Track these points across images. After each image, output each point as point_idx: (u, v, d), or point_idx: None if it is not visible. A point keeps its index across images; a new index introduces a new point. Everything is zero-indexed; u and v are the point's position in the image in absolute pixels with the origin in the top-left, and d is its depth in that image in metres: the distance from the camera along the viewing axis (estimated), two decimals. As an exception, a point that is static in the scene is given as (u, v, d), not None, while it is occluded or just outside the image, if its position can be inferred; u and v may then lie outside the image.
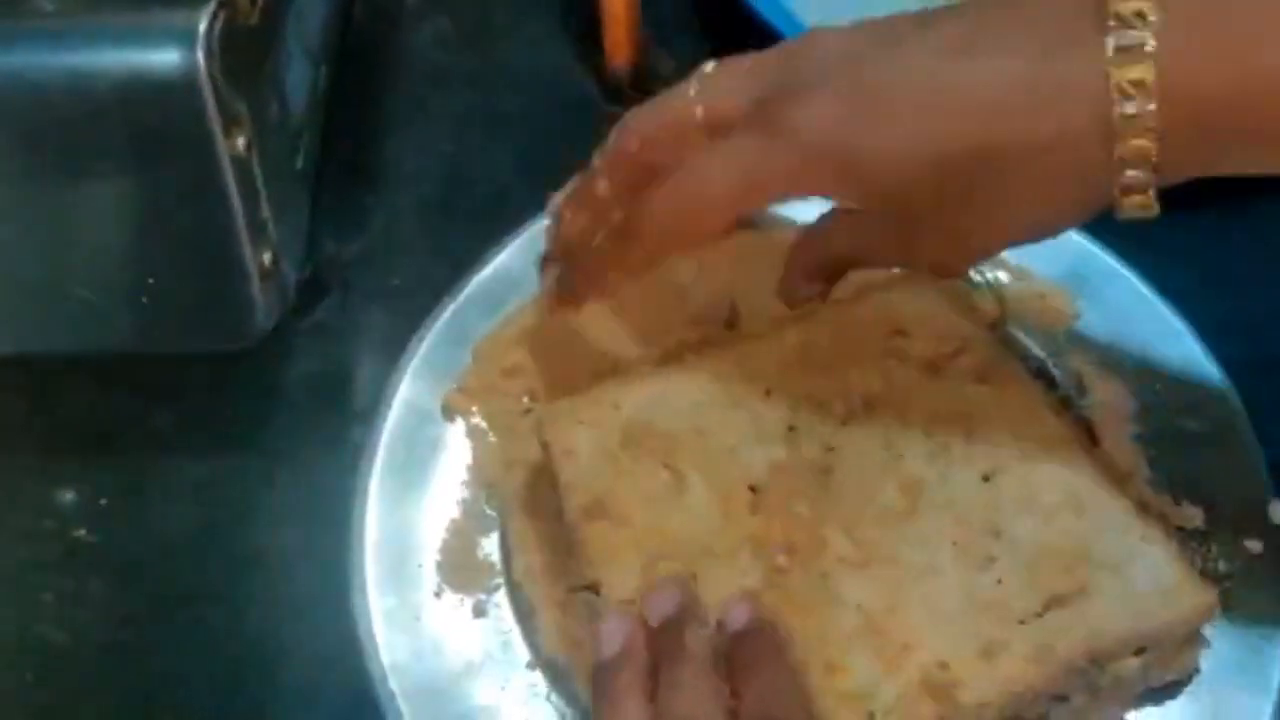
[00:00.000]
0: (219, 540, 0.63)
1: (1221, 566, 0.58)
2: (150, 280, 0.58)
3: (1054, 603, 0.53)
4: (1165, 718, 0.56)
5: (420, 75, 0.78)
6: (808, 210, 0.58)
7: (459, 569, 0.60)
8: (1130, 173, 0.49)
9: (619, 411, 0.58)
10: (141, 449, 0.65)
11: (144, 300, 0.58)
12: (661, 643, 0.51)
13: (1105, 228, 0.64)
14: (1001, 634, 0.52)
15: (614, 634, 0.51)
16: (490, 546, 0.60)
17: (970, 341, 0.60)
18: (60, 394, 0.66)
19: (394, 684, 0.57)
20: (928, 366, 0.59)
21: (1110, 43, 0.48)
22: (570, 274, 0.61)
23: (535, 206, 0.68)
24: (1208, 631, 0.55)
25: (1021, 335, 0.65)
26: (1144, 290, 0.66)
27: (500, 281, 0.66)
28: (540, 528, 0.60)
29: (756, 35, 0.73)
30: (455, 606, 0.59)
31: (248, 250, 0.57)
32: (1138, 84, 0.47)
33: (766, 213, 0.63)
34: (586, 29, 0.77)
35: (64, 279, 0.58)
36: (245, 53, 0.56)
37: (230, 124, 0.55)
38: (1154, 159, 0.48)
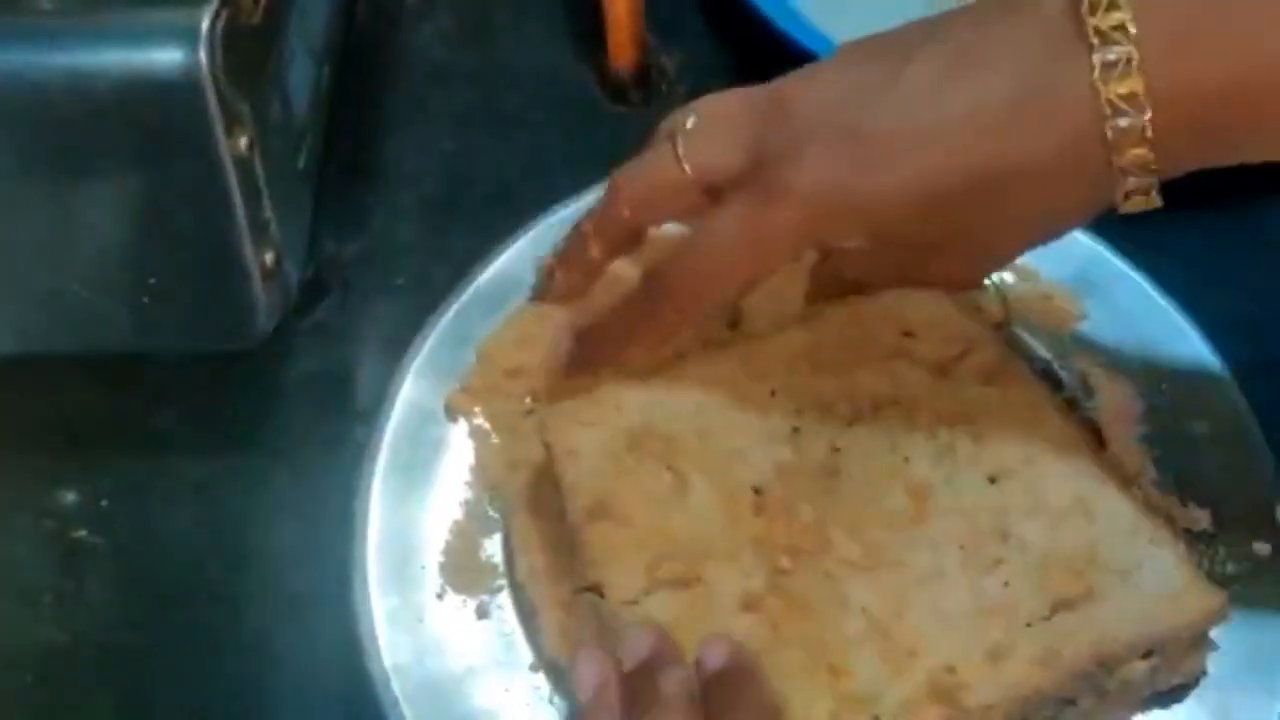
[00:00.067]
0: (220, 541, 0.63)
1: (1229, 569, 0.58)
2: (152, 280, 0.58)
3: (1061, 606, 0.53)
4: (1172, 721, 0.56)
5: (421, 74, 0.78)
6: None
7: (462, 570, 0.60)
8: (1131, 179, 0.49)
9: (622, 412, 0.58)
10: (142, 449, 0.65)
11: (145, 300, 0.58)
12: (636, 687, 0.50)
13: (1112, 229, 0.65)
14: (1008, 637, 0.52)
15: (586, 680, 0.50)
16: (493, 548, 0.60)
17: (977, 343, 0.59)
18: (61, 394, 0.66)
19: (396, 686, 0.57)
20: (934, 368, 0.59)
21: (1096, 60, 0.48)
22: (587, 348, 0.61)
23: (537, 205, 0.68)
24: (1215, 635, 0.55)
25: (1027, 337, 0.65)
26: (1151, 291, 0.66)
27: (503, 281, 0.66)
28: (543, 529, 0.60)
29: (760, 34, 0.73)
30: (458, 608, 0.59)
31: (250, 250, 0.57)
32: (1129, 98, 0.48)
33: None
34: (588, 28, 0.77)
35: (65, 279, 0.58)
36: (248, 52, 0.56)
37: (232, 123, 0.54)
38: (1153, 165, 0.49)
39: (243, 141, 0.55)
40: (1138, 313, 0.65)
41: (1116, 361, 0.64)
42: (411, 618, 0.58)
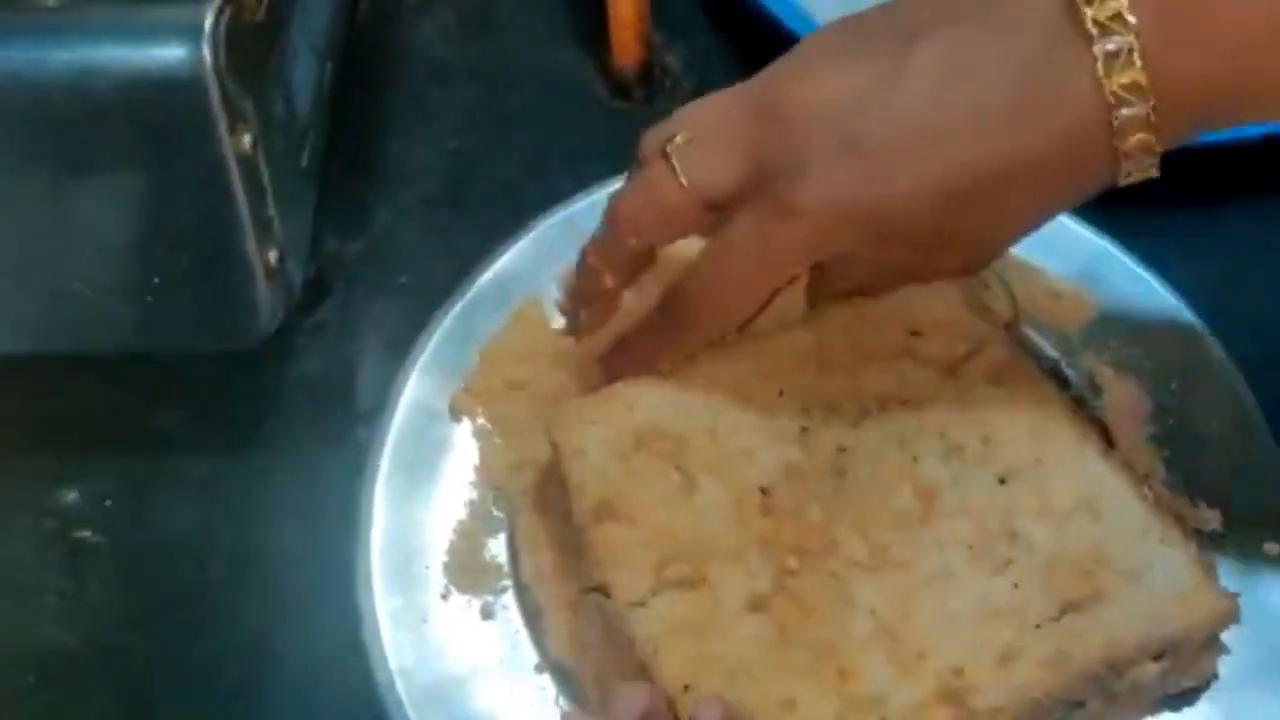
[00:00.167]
0: (223, 540, 0.63)
1: (1240, 569, 0.58)
2: (154, 279, 0.57)
3: (1070, 607, 0.53)
4: (1182, 724, 0.56)
5: (424, 72, 0.78)
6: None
7: (466, 570, 0.59)
8: (1133, 161, 0.50)
9: (630, 412, 0.57)
10: (145, 449, 0.65)
11: (148, 299, 0.58)
12: None
13: (1120, 227, 0.65)
14: (1017, 639, 0.52)
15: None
16: (498, 548, 0.60)
17: (985, 343, 0.59)
18: (64, 394, 0.65)
19: (400, 687, 0.56)
20: (942, 368, 0.59)
21: (1097, 51, 0.48)
22: (614, 368, 0.60)
23: (540, 203, 0.68)
24: (1226, 637, 0.54)
25: (1035, 336, 0.65)
26: (1159, 290, 0.65)
27: (507, 279, 0.66)
28: (549, 529, 0.59)
29: (765, 30, 0.73)
30: (463, 609, 0.58)
31: (253, 249, 0.57)
32: (1132, 87, 0.48)
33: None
34: (591, 24, 0.76)
35: (68, 278, 0.57)
36: (251, 49, 0.55)
37: (236, 121, 0.54)
38: (1155, 148, 0.49)
39: (246, 139, 0.55)
40: (1146, 311, 0.65)
41: (1125, 360, 0.64)
42: (415, 618, 0.58)
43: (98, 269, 0.57)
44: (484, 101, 0.77)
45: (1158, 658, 0.53)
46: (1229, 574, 0.57)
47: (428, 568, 0.59)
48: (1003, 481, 0.56)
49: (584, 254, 0.60)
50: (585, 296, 0.61)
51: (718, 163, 0.54)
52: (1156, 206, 0.61)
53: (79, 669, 0.60)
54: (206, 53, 0.52)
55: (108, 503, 0.63)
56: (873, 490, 0.56)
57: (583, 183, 0.68)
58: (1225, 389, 0.63)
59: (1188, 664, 0.54)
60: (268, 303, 0.59)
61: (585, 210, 0.66)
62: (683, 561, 0.54)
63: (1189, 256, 0.66)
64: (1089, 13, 0.48)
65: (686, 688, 0.51)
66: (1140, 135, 0.49)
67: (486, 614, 0.58)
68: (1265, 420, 0.62)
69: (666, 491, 0.56)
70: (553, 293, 0.65)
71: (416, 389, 0.63)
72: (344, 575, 0.59)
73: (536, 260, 0.66)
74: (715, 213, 0.55)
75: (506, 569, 0.59)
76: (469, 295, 0.65)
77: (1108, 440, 0.61)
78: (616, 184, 0.59)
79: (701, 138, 0.55)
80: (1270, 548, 0.58)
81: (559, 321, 0.65)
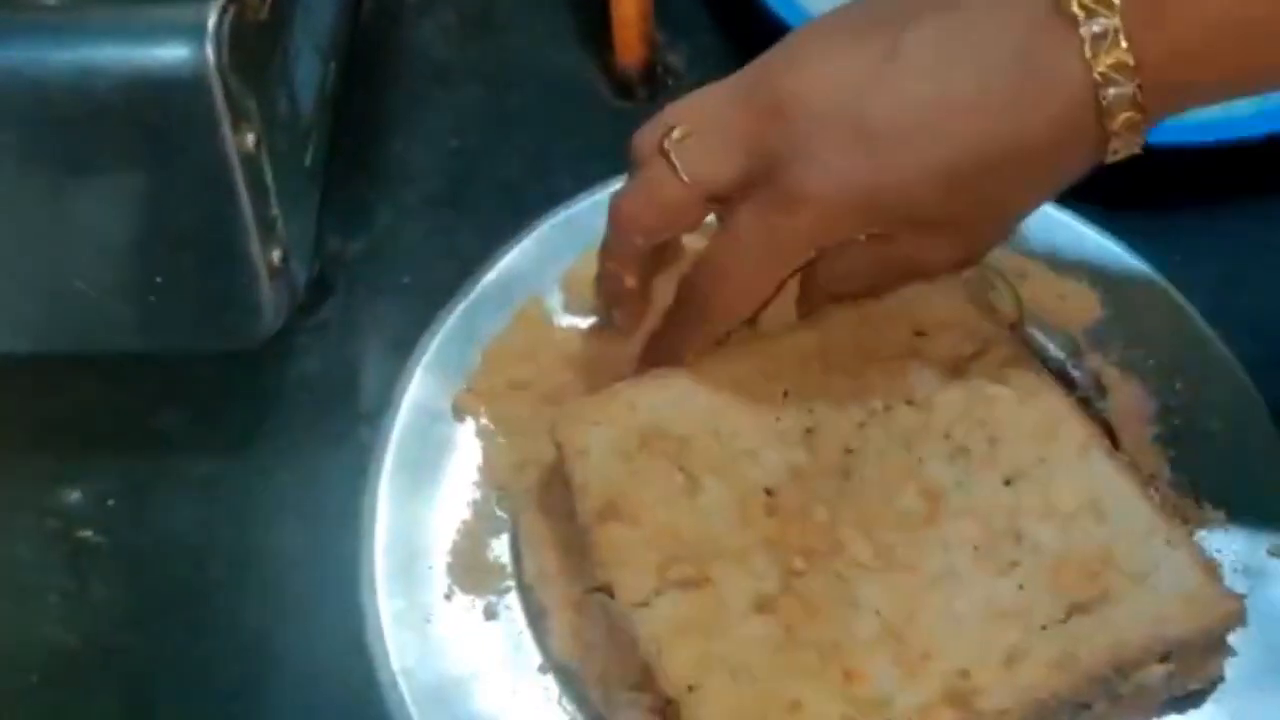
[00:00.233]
0: (225, 540, 0.63)
1: (1245, 569, 0.58)
2: (158, 279, 0.57)
3: (1076, 609, 0.53)
4: (1188, 727, 0.56)
5: (426, 72, 0.78)
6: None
7: (469, 571, 0.59)
8: (1120, 139, 0.51)
9: (634, 412, 0.57)
10: (147, 449, 0.65)
11: (151, 299, 0.58)
12: None
13: (1121, 227, 0.65)
14: (1023, 641, 0.52)
15: None
16: (501, 548, 0.60)
17: (990, 343, 0.59)
18: (66, 394, 0.65)
19: (403, 687, 0.56)
20: (947, 368, 0.58)
21: (1084, 33, 0.49)
22: (646, 358, 0.61)
23: (543, 202, 0.68)
24: (1232, 640, 0.54)
25: (1040, 336, 0.65)
26: (1164, 290, 0.65)
27: (510, 279, 0.66)
28: (552, 529, 0.59)
29: (767, 29, 0.73)
30: (466, 609, 0.58)
31: (257, 248, 0.57)
32: (1119, 67, 0.49)
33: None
34: (594, 23, 0.76)
35: (70, 277, 0.57)
36: (254, 48, 0.55)
37: (239, 120, 0.54)
38: (1142, 125, 0.50)
39: (249, 138, 0.55)
40: (1151, 311, 0.65)
41: (1130, 361, 0.64)
42: (418, 618, 0.58)
43: (100, 269, 0.57)
44: (486, 101, 0.77)
45: (1164, 659, 0.53)
46: (1234, 575, 0.57)
47: (431, 568, 0.59)
48: (1008, 482, 0.56)
49: (599, 259, 0.60)
50: (612, 298, 0.62)
51: (717, 156, 0.54)
52: (1158, 207, 0.61)
53: (80, 668, 0.60)
54: (210, 52, 0.52)
55: (109, 502, 0.63)
56: (878, 491, 0.56)
57: (585, 182, 0.68)
58: (1230, 389, 0.63)
59: (1194, 666, 0.54)
60: (271, 302, 0.59)
61: (588, 210, 0.66)
62: (686, 562, 0.54)
63: (1189, 256, 0.66)
64: None
65: (691, 688, 0.51)
66: (1128, 114, 0.50)
67: (490, 614, 0.58)
68: (1270, 419, 0.62)
69: (670, 492, 0.56)
70: (555, 292, 0.65)
71: (419, 389, 0.63)
72: (345, 575, 0.59)
73: (539, 260, 0.66)
74: (719, 205, 0.55)
75: (510, 569, 0.59)
76: (472, 295, 0.65)
77: (1113, 441, 0.61)
78: (619, 184, 0.59)
79: (699, 132, 0.55)
80: (1276, 548, 0.58)
81: (562, 321, 0.65)
